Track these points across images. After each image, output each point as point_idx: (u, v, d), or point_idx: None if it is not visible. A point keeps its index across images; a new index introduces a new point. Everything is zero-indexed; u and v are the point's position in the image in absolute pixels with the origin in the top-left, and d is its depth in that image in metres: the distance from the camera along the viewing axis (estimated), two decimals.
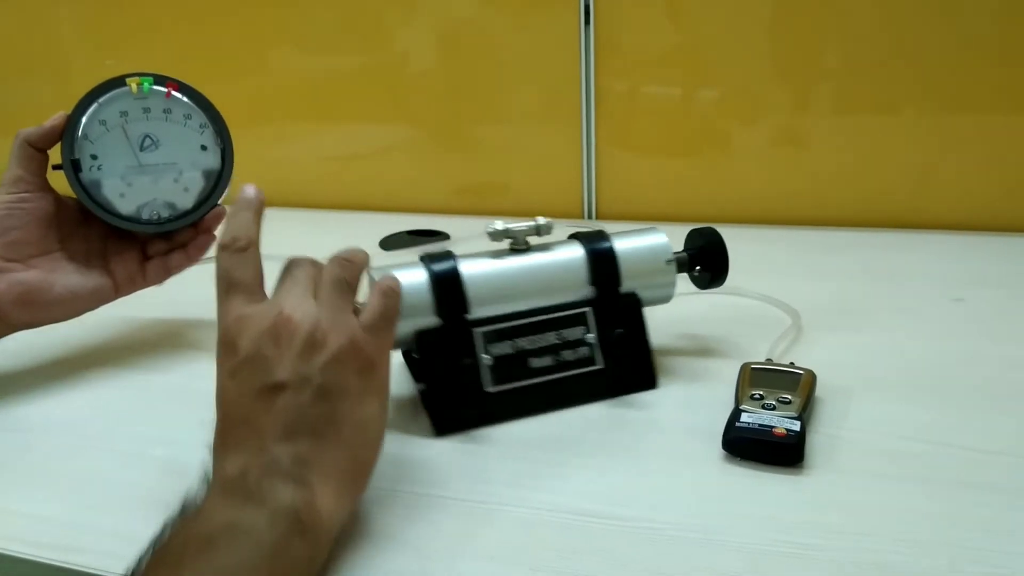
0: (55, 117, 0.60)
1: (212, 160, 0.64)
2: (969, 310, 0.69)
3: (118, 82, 0.61)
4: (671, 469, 0.48)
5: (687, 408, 0.55)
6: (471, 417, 0.53)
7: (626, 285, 0.57)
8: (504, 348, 0.54)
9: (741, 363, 0.56)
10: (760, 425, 0.48)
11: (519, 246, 0.57)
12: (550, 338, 0.55)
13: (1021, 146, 0.87)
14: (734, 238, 0.63)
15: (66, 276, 0.60)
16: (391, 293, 0.46)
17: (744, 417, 0.49)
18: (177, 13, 1.10)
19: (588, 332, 0.56)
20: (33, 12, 1.18)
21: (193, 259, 0.65)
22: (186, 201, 0.63)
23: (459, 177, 1.08)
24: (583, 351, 0.56)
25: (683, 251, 0.61)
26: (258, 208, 0.47)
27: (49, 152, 0.61)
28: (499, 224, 0.56)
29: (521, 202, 1.05)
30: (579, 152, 1.00)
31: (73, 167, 0.60)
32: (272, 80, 1.11)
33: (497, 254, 0.57)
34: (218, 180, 0.64)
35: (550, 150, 1.02)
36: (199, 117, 0.63)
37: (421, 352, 0.53)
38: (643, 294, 0.58)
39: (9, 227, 0.59)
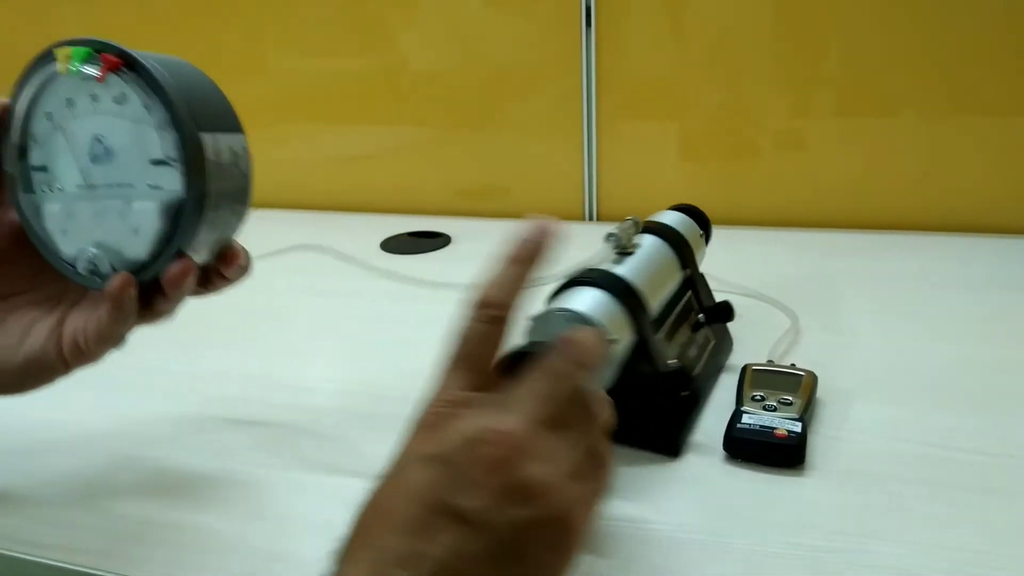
0: None
1: (173, 183, 0.39)
2: (971, 313, 0.69)
3: (48, 55, 0.40)
4: (671, 469, 0.48)
5: None
6: (688, 425, 0.52)
7: (699, 262, 0.60)
8: (674, 348, 0.53)
9: (741, 364, 0.57)
10: (761, 426, 0.48)
11: (628, 248, 0.55)
12: (687, 328, 0.56)
13: (1022, 149, 0.88)
14: (735, 240, 0.64)
15: (4, 338, 0.42)
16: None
17: (745, 418, 0.49)
18: (179, 13, 1.11)
19: (699, 314, 0.58)
20: (34, 12, 1.18)
21: (132, 323, 0.42)
22: (136, 249, 0.40)
23: (460, 179, 1.08)
24: (704, 331, 0.58)
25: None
26: (530, 256, 0.36)
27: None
28: (616, 228, 0.54)
29: (522, 204, 1.05)
30: (580, 154, 1.00)
31: (13, 183, 0.42)
32: (274, 81, 1.11)
33: (615, 260, 0.54)
34: (179, 217, 0.39)
35: (551, 152, 1.02)
36: (159, 111, 0.39)
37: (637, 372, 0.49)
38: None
39: None
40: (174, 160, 0.39)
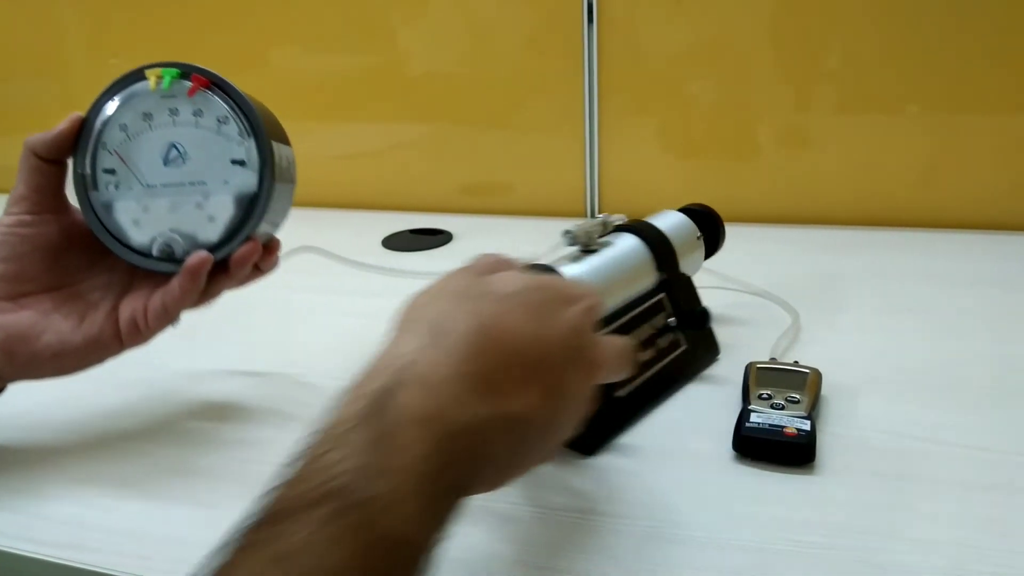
0: (67, 120, 0.48)
1: (248, 181, 0.49)
2: (973, 309, 0.70)
3: (138, 75, 0.49)
4: (679, 469, 0.49)
5: (691, 407, 0.55)
6: (611, 427, 0.52)
7: (682, 267, 0.60)
8: None
9: (742, 361, 0.57)
10: (770, 425, 0.49)
11: (592, 246, 0.56)
12: (646, 330, 0.56)
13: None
14: (736, 237, 0.64)
15: (62, 322, 0.48)
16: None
17: (754, 417, 0.50)
18: (181, 11, 1.10)
19: (669, 317, 0.57)
20: (36, 10, 1.18)
21: (194, 301, 0.50)
22: (210, 233, 0.49)
23: (462, 176, 1.08)
24: (670, 336, 0.57)
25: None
26: None
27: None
28: (572, 225, 0.55)
29: (524, 201, 1.05)
30: (582, 151, 1.00)
31: (84, 183, 0.49)
32: (276, 78, 1.10)
33: (575, 258, 0.55)
34: (252, 207, 0.49)
35: (553, 149, 1.02)
36: (236, 123, 0.49)
37: None
38: (688, 272, 0.61)
39: (1, 257, 0.48)
40: (251, 160, 0.48)
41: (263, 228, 0.50)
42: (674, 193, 1.00)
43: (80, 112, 0.49)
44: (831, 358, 0.58)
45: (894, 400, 0.55)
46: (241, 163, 0.49)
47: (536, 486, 0.47)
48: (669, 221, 0.62)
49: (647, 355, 0.55)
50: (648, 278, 0.58)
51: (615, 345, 0.41)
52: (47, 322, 0.48)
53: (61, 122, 0.48)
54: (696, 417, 0.54)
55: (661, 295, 0.57)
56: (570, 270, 0.53)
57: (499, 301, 0.37)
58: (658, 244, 0.58)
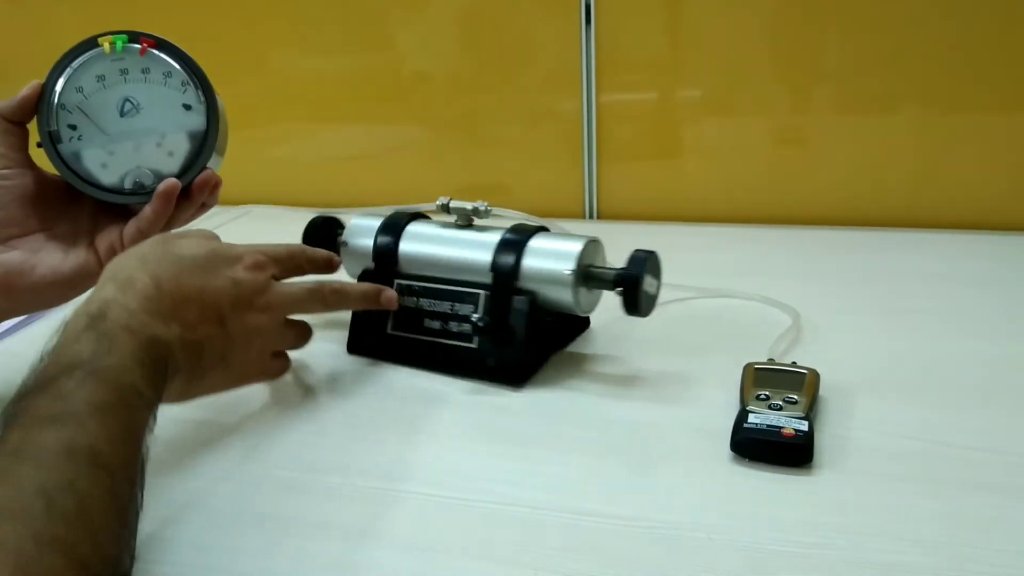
0: (28, 87, 0.57)
1: (197, 120, 0.58)
2: (973, 309, 0.70)
3: (91, 43, 0.57)
4: (677, 470, 0.49)
5: (690, 408, 0.55)
6: (372, 348, 0.64)
7: (524, 283, 0.60)
8: (408, 302, 0.63)
9: (741, 363, 0.57)
10: (768, 426, 0.49)
11: (463, 222, 0.64)
12: (444, 307, 0.62)
13: (1021, 146, 0.88)
14: (734, 238, 0.64)
15: (50, 257, 0.56)
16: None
17: (751, 418, 0.49)
18: (179, 13, 1.10)
19: (475, 312, 0.61)
20: (34, 12, 1.18)
21: (162, 226, 0.58)
22: (171, 166, 0.58)
23: (460, 177, 1.08)
24: (465, 327, 0.61)
25: (606, 268, 0.60)
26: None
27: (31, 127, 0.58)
28: (443, 199, 0.64)
29: (523, 202, 1.04)
30: (580, 153, 1.00)
31: (51, 139, 0.57)
32: (273, 81, 1.10)
33: (446, 226, 0.65)
34: (204, 141, 0.58)
35: (552, 151, 1.02)
36: (180, 74, 0.58)
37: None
38: (544, 297, 0.59)
39: None
40: (199, 103, 0.58)
41: (212, 162, 0.59)
42: (672, 193, 1.00)
43: (39, 79, 0.57)
44: (829, 359, 0.58)
45: (892, 400, 0.55)
46: (188, 107, 0.58)
47: (541, 488, 0.47)
48: (553, 242, 0.60)
49: (431, 324, 0.63)
50: (479, 275, 0.61)
51: (306, 288, 0.57)
52: (37, 258, 0.55)
53: (23, 89, 0.56)
54: (694, 417, 0.54)
55: (481, 292, 0.61)
56: (413, 227, 0.65)
57: (174, 263, 0.49)
58: (502, 251, 0.60)
